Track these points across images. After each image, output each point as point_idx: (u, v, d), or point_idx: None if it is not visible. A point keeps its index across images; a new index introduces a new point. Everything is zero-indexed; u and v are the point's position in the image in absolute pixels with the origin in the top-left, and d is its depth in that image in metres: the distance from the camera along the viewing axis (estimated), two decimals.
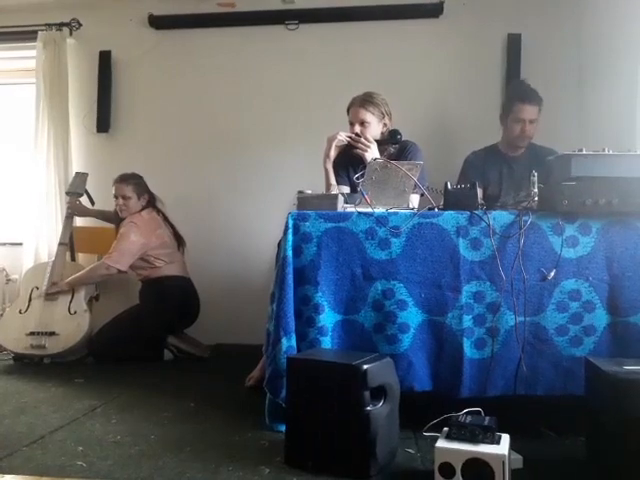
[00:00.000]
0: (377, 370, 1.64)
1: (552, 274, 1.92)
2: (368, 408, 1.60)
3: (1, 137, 4.19)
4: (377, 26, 3.67)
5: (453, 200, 2.03)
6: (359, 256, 1.98)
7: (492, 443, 1.49)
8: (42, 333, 3.20)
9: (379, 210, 2.02)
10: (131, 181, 3.40)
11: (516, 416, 1.81)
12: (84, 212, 3.64)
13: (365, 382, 1.59)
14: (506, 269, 1.92)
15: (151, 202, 3.47)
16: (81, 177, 3.61)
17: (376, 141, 2.71)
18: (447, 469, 1.49)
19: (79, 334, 3.22)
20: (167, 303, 3.30)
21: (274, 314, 1.99)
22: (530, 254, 1.93)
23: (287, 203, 2.33)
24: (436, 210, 2.06)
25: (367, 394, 1.60)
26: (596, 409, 1.66)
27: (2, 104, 4.22)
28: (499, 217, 1.96)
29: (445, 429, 1.58)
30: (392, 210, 2.04)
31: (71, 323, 3.25)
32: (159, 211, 3.49)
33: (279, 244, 2.20)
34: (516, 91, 3.02)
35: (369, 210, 2.00)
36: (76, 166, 3.84)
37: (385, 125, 2.81)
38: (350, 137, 2.71)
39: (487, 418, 1.58)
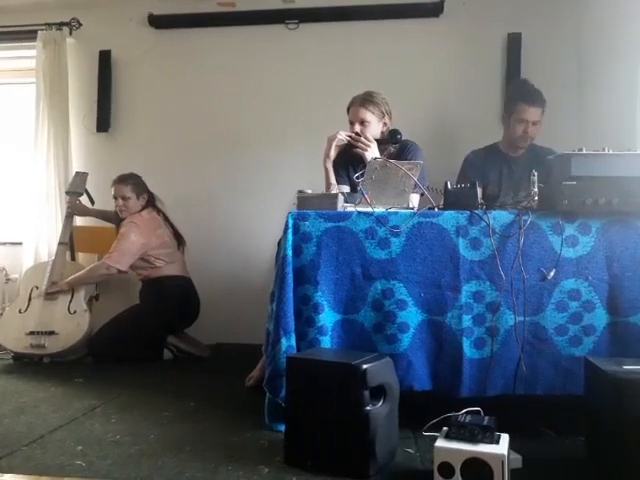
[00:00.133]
0: (377, 370, 1.64)
1: (552, 274, 1.92)
2: (367, 408, 1.60)
3: (1, 137, 4.18)
4: (377, 25, 3.67)
5: (453, 200, 2.03)
6: (359, 256, 1.98)
7: (491, 443, 1.49)
8: (42, 333, 3.21)
9: (379, 210, 2.02)
10: (129, 181, 3.40)
11: (515, 416, 1.81)
12: (84, 212, 3.64)
13: (364, 382, 1.59)
14: (506, 269, 1.92)
15: (151, 201, 3.47)
16: (81, 177, 3.61)
17: (376, 140, 2.71)
18: (446, 469, 1.49)
19: (79, 334, 3.23)
20: (167, 303, 3.30)
21: (274, 314, 1.99)
22: (530, 254, 1.93)
23: (287, 203, 2.33)
24: (436, 210, 2.06)
25: (366, 394, 1.60)
26: (596, 409, 1.66)
27: (2, 104, 4.22)
28: (499, 217, 1.96)
29: (444, 429, 1.58)
30: (392, 210, 2.04)
31: (71, 323, 3.26)
32: (159, 211, 3.49)
33: (279, 243, 2.20)
34: (520, 91, 2.98)
35: (369, 210, 2.00)
36: (76, 166, 3.84)
37: (385, 124, 2.80)
38: (350, 136, 2.70)
39: (486, 418, 1.58)
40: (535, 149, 2.98)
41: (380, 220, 1.98)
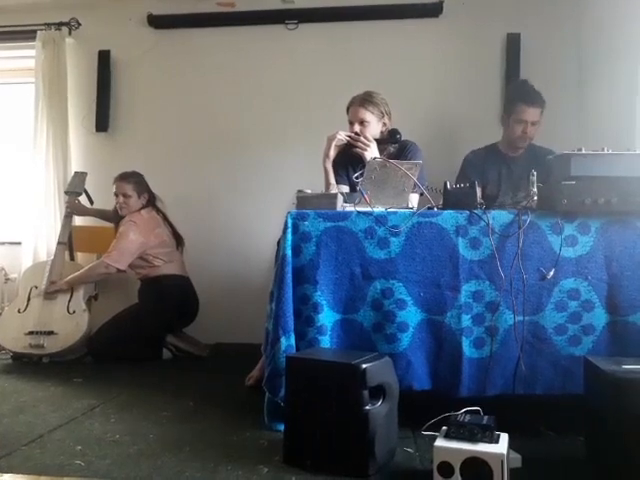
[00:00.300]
0: (376, 369, 1.64)
1: (551, 273, 1.92)
2: (367, 407, 1.60)
3: (0, 137, 4.18)
4: (376, 26, 3.67)
5: (452, 199, 2.04)
6: (358, 255, 1.98)
7: (491, 442, 1.49)
8: (41, 332, 3.21)
9: (378, 209, 2.02)
10: (132, 179, 3.40)
11: (515, 415, 1.81)
12: (83, 211, 3.64)
13: (364, 381, 1.59)
14: (505, 268, 1.92)
15: (151, 201, 3.47)
16: (80, 176, 3.61)
17: (376, 140, 2.71)
18: (446, 468, 1.49)
19: (78, 333, 3.22)
20: (166, 302, 3.30)
21: (273, 313, 1.99)
22: (529, 253, 1.93)
23: (287, 202, 2.33)
24: (435, 209, 2.06)
25: (366, 393, 1.60)
26: (595, 408, 1.66)
27: (1, 104, 4.22)
28: (498, 216, 1.96)
29: (444, 428, 1.58)
30: (391, 209, 2.03)
31: (70, 322, 3.25)
32: (159, 210, 3.49)
33: (278, 243, 2.20)
34: (519, 92, 2.98)
35: (368, 209, 2.00)
36: (75, 165, 3.84)
37: (385, 124, 2.80)
38: (350, 136, 2.70)
39: (486, 417, 1.58)
40: (534, 149, 2.99)
41: (379, 220, 1.98)
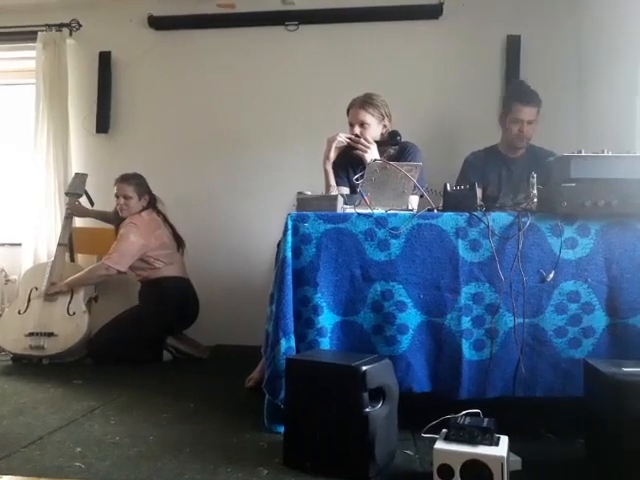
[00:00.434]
0: (376, 371, 1.64)
1: (551, 276, 1.92)
2: (367, 409, 1.60)
3: (1, 137, 4.18)
4: (376, 27, 3.67)
5: (452, 201, 2.04)
6: (358, 257, 1.98)
7: (491, 445, 1.49)
8: (41, 334, 3.20)
9: (378, 211, 2.02)
10: (133, 181, 3.40)
11: (515, 418, 1.81)
12: (83, 213, 3.64)
13: (364, 383, 1.59)
14: (505, 270, 1.92)
15: (152, 203, 3.47)
16: (80, 178, 3.61)
17: (376, 142, 2.71)
18: (446, 471, 1.49)
19: (78, 335, 3.22)
20: (166, 304, 3.30)
21: (273, 315, 1.99)
22: (529, 255, 1.93)
23: (287, 204, 2.33)
24: (435, 211, 2.06)
25: (366, 395, 1.60)
26: (595, 411, 1.66)
27: (2, 104, 4.22)
28: (498, 218, 1.96)
29: (444, 430, 1.58)
30: (391, 211, 2.03)
31: (70, 324, 3.25)
32: (159, 212, 3.49)
33: (279, 245, 2.20)
34: (515, 92, 3.02)
35: (368, 211, 2.00)
36: (75, 167, 3.84)
37: (385, 126, 2.80)
38: (350, 138, 2.70)
39: (486, 419, 1.58)
40: (534, 150, 2.99)
41: (379, 222, 1.98)
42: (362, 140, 2.68)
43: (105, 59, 3.88)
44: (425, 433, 1.72)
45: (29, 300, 3.34)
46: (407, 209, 2.12)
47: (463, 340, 1.94)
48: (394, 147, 2.79)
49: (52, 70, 3.83)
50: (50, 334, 3.21)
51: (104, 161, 3.85)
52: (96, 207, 3.63)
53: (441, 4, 3.58)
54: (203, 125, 3.82)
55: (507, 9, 3.57)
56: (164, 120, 3.85)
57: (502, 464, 1.45)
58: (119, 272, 3.29)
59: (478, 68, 3.58)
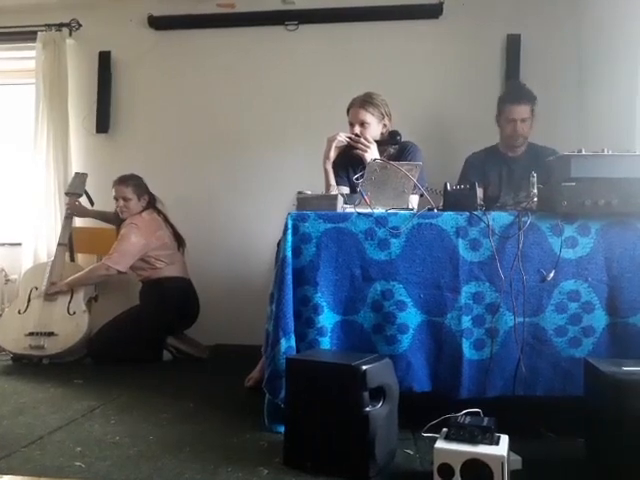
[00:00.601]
0: (376, 371, 1.64)
1: (551, 275, 1.92)
2: (367, 409, 1.60)
3: (1, 137, 4.18)
4: (376, 27, 3.67)
5: (452, 201, 2.04)
6: (358, 257, 1.98)
7: (491, 444, 1.49)
8: (41, 333, 3.20)
9: (378, 211, 2.02)
10: (130, 182, 3.40)
11: (515, 417, 1.81)
12: (83, 213, 3.64)
13: (364, 383, 1.59)
14: (505, 270, 1.92)
15: (151, 203, 3.47)
16: (80, 178, 3.61)
17: (376, 142, 2.71)
18: (446, 470, 1.49)
19: (78, 335, 3.22)
20: (167, 304, 3.30)
21: (273, 315, 1.99)
22: (529, 255, 1.93)
23: (287, 204, 2.33)
24: (435, 211, 2.06)
25: (366, 395, 1.60)
26: (595, 410, 1.66)
27: (2, 104, 4.22)
28: (498, 218, 1.96)
29: (444, 430, 1.58)
30: (391, 211, 2.03)
31: (70, 324, 3.25)
32: (160, 212, 3.49)
33: (279, 244, 2.20)
34: (507, 91, 3.07)
35: (368, 211, 2.00)
36: (75, 167, 3.84)
37: (385, 126, 2.80)
38: (350, 138, 2.70)
39: (486, 419, 1.58)
40: (535, 149, 2.99)
41: (380, 221, 1.98)
42: (362, 139, 2.68)
43: (105, 59, 3.88)
44: (425, 432, 1.72)
45: (29, 300, 3.34)
46: (407, 208, 2.12)
47: (463, 339, 1.94)
48: (394, 146, 2.79)
49: (52, 70, 3.83)
50: (50, 334, 3.21)
51: (104, 161, 3.85)
52: (96, 207, 3.63)
53: (441, 4, 3.58)
54: (203, 125, 3.82)
55: (507, 9, 3.57)
56: (164, 120, 3.85)
57: (502, 463, 1.45)
58: (119, 272, 3.29)
59: (478, 68, 3.58)
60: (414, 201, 2.45)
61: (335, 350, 1.98)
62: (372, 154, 2.63)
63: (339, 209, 2.07)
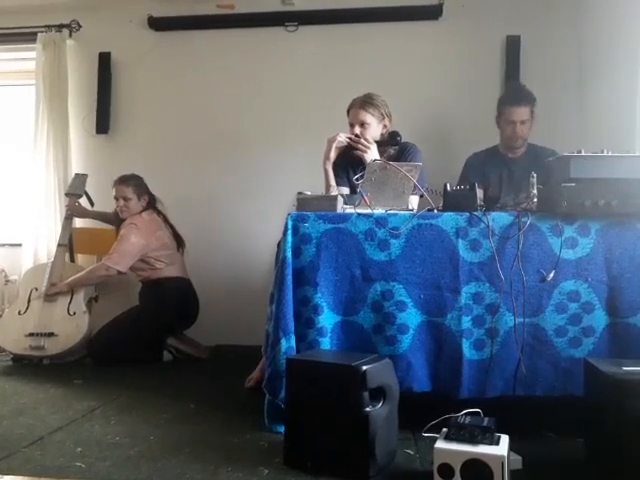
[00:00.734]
0: (376, 371, 1.64)
1: (551, 275, 1.92)
2: (367, 409, 1.60)
3: (1, 138, 4.18)
4: (376, 28, 3.67)
5: (452, 201, 2.04)
6: (358, 257, 1.98)
7: (491, 444, 1.49)
8: (41, 334, 3.20)
9: (378, 211, 2.02)
10: (131, 182, 3.40)
11: (515, 417, 1.81)
12: (83, 213, 3.64)
13: (364, 383, 1.59)
14: (505, 270, 1.92)
15: (151, 203, 3.47)
16: (80, 178, 3.61)
17: (376, 142, 2.71)
18: (446, 470, 1.49)
19: (78, 335, 3.22)
20: (167, 304, 3.30)
21: (273, 315, 1.99)
22: (529, 255, 1.93)
23: (287, 204, 2.33)
24: (435, 211, 2.06)
25: (366, 395, 1.60)
26: (595, 410, 1.66)
27: (2, 105, 4.22)
28: (498, 218, 1.96)
29: (444, 430, 1.58)
30: (391, 211, 2.04)
31: (70, 324, 3.25)
32: (159, 212, 3.49)
33: (279, 245, 2.20)
34: (506, 93, 3.07)
35: (368, 211, 2.00)
36: (75, 167, 3.85)
37: (385, 126, 2.81)
38: (350, 138, 2.70)
39: (486, 419, 1.58)
40: (535, 150, 2.99)
41: (379, 222, 1.98)
42: (362, 140, 2.68)
43: (105, 60, 3.88)
44: (425, 432, 1.72)
45: (29, 300, 3.34)
46: (407, 209, 2.12)
47: (463, 340, 1.94)
48: (394, 147, 2.79)
49: (52, 71, 3.83)
50: (50, 334, 3.20)
51: (104, 162, 3.85)
52: (96, 208, 3.63)
53: (441, 5, 3.58)
54: (203, 125, 3.82)
55: (507, 10, 3.57)
56: (164, 121, 3.86)
57: (502, 463, 1.45)
58: (119, 272, 3.29)
59: (478, 68, 3.58)
60: (414, 202, 2.46)
61: (335, 350, 1.98)
62: (372, 155, 2.63)
63: (339, 210, 2.07)
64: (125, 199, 3.38)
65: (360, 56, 3.66)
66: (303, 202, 2.11)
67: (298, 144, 3.64)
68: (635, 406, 1.48)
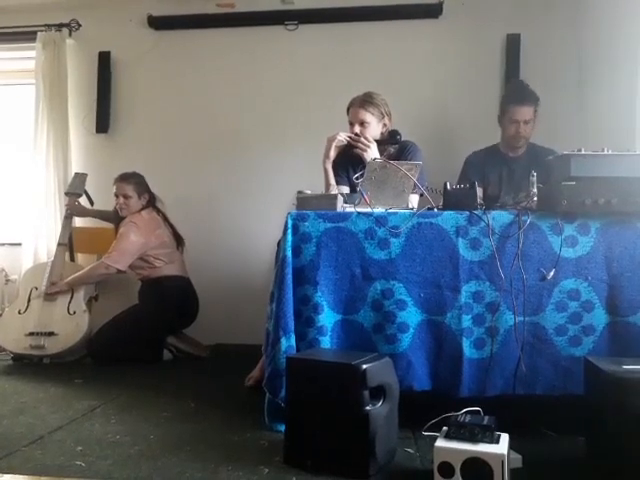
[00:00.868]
0: (376, 370, 1.64)
1: (551, 274, 1.92)
2: (367, 408, 1.60)
3: (1, 137, 4.18)
4: (376, 26, 3.67)
5: (452, 200, 2.04)
6: (358, 256, 1.98)
7: (491, 442, 1.49)
8: (41, 333, 3.21)
9: (378, 210, 2.02)
10: (132, 180, 3.40)
11: (515, 415, 1.81)
12: (83, 212, 3.64)
13: (364, 382, 1.59)
14: (505, 269, 1.92)
15: (151, 202, 3.47)
16: (80, 177, 3.61)
17: (376, 141, 2.71)
18: (446, 468, 1.49)
19: (78, 334, 3.23)
20: (166, 303, 3.30)
21: (273, 314, 1.99)
22: (529, 254, 1.93)
23: (287, 203, 2.33)
24: (435, 210, 2.06)
25: (366, 394, 1.60)
26: (595, 408, 1.66)
27: (2, 105, 4.22)
28: (498, 217, 1.96)
29: (444, 428, 1.58)
30: (391, 210, 2.04)
31: (70, 323, 3.26)
32: (159, 211, 3.49)
33: (279, 244, 2.20)
34: (510, 92, 3.05)
35: (368, 210, 2.00)
36: (75, 167, 3.85)
37: (385, 125, 2.81)
38: (350, 137, 2.71)
39: (486, 417, 1.58)
40: (535, 149, 2.99)
41: (379, 220, 1.98)
42: (362, 139, 2.68)
43: (105, 59, 3.88)
44: (426, 431, 1.72)
45: (29, 300, 3.34)
46: (407, 208, 2.12)
47: (463, 338, 1.94)
48: (394, 146, 2.79)
49: (52, 70, 3.83)
50: (50, 333, 3.21)
51: (104, 161, 3.85)
52: (96, 207, 3.63)
53: (441, 3, 3.58)
54: (203, 125, 3.82)
55: (507, 8, 3.57)
56: (164, 120, 3.86)
57: (503, 462, 1.45)
58: (119, 271, 3.29)
59: (478, 67, 3.58)
60: (414, 200, 2.46)
61: (335, 349, 1.98)
62: (372, 153, 2.63)
63: (339, 208, 2.07)
64: (125, 197, 3.38)
65: (360, 55, 3.66)
66: (303, 201, 2.12)
67: (298, 143, 3.64)
68: (635, 405, 1.48)
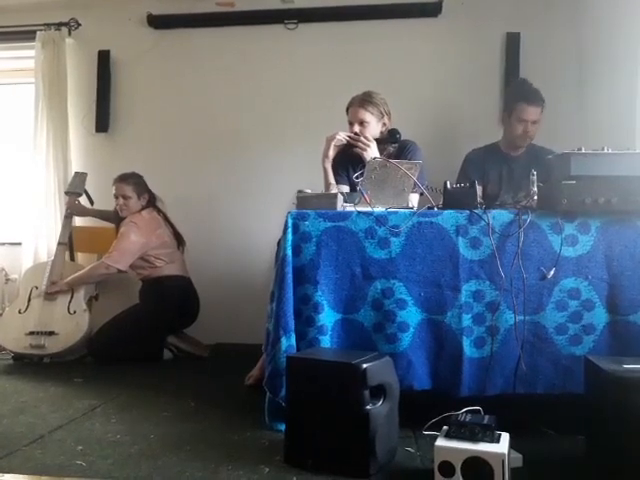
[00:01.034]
0: (376, 369, 1.64)
1: (551, 273, 1.92)
2: (368, 407, 1.60)
3: (1, 137, 4.18)
4: (376, 25, 3.67)
5: (452, 199, 2.04)
6: (358, 255, 1.98)
7: (492, 442, 1.49)
8: (41, 333, 3.21)
9: (378, 209, 2.02)
10: (131, 180, 3.40)
11: (516, 415, 1.81)
12: (83, 212, 3.64)
13: (364, 381, 1.59)
14: (505, 268, 1.92)
15: (151, 201, 3.47)
16: (80, 177, 3.61)
17: (375, 140, 2.71)
18: (447, 468, 1.49)
19: (78, 334, 3.23)
20: (167, 303, 3.30)
21: (274, 313, 1.99)
22: (529, 253, 1.93)
23: (287, 203, 2.33)
24: (435, 209, 2.06)
25: (366, 393, 1.60)
26: (596, 407, 1.66)
27: (1, 104, 4.22)
28: (498, 216, 1.96)
29: (445, 428, 1.58)
30: (391, 209, 2.04)
31: (70, 323, 3.26)
32: (159, 211, 3.49)
33: (279, 243, 2.20)
34: (520, 91, 3.00)
35: (368, 209, 2.00)
36: (75, 166, 3.84)
37: (384, 124, 2.80)
38: (349, 136, 2.70)
39: (487, 417, 1.58)
40: (535, 149, 2.99)
41: (380, 220, 1.98)
42: (362, 138, 2.68)
43: (104, 58, 3.88)
44: (426, 430, 1.73)
45: (29, 299, 3.34)
46: (407, 207, 2.12)
47: (464, 338, 1.94)
48: (394, 145, 2.78)
49: (51, 69, 3.83)
50: (51, 333, 3.21)
51: (104, 160, 3.85)
52: (96, 206, 3.63)
53: (440, 2, 3.57)
54: (202, 124, 3.82)
55: (506, 7, 3.57)
56: (163, 119, 3.85)
57: (503, 461, 1.45)
58: (119, 271, 3.29)
59: (477, 66, 3.58)
60: (414, 200, 2.46)
61: (335, 348, 1.98)
62: (372, 152, 2.63)
63: (339, 208, 2.07)
64: (125, 197, 3.38)
65: (360, 53, 3.66)
66: (303, 200, 2.11)
67: (298, 142, 3.64)
68: (635, 404, 1.47)
